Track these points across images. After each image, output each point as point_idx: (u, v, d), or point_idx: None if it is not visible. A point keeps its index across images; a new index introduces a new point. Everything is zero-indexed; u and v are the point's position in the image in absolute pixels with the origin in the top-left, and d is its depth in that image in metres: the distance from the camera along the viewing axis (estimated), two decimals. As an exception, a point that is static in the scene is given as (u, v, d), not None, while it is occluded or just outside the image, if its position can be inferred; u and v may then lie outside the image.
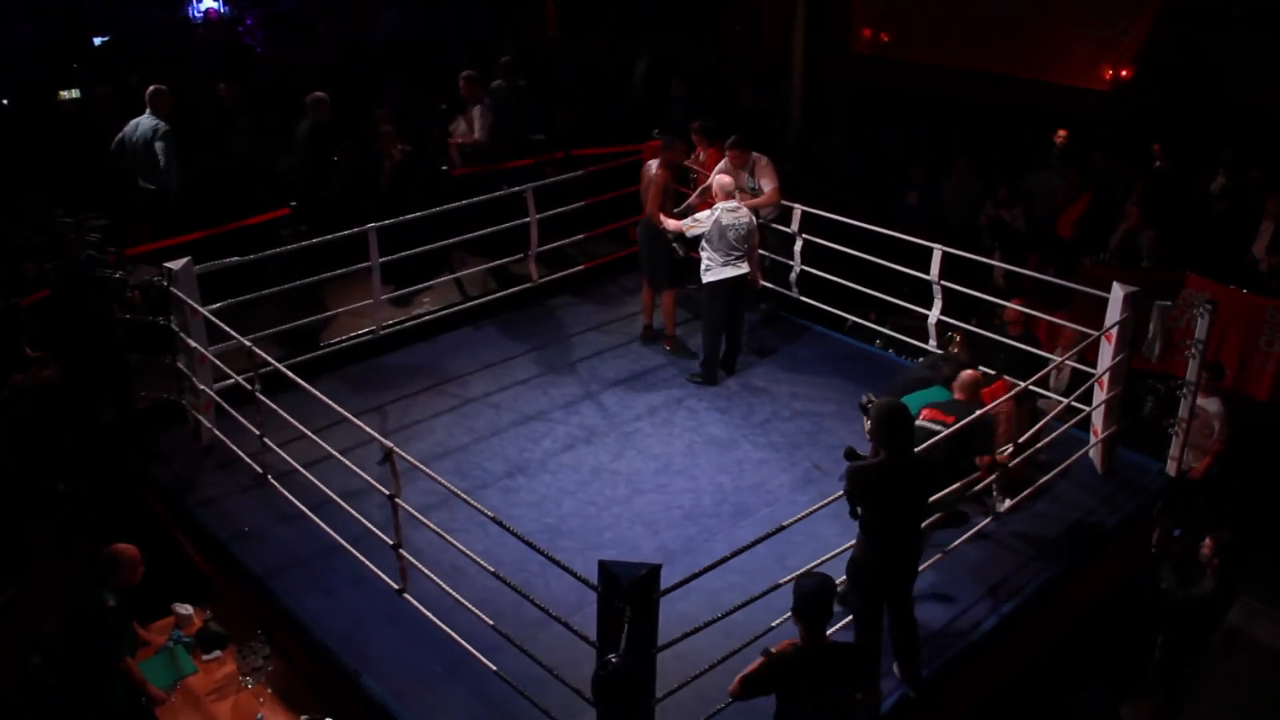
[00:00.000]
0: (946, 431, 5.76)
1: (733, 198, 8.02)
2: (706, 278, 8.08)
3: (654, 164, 8.47)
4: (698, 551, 6.27)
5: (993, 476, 6.14)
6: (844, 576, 5.19)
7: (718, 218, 7.93)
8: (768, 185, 8.51)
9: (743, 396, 8.12)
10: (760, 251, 8.79)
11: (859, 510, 5.03)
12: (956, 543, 6.04)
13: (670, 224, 8.23)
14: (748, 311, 8.71)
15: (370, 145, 10.04)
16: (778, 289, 9.09)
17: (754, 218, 8.10)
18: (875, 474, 4.98)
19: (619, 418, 7.82)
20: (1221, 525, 6.40)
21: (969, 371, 6.45)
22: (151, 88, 8.77)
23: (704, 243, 7.99)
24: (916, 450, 5.38)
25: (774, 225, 8.93)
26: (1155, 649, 6.57)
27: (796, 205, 8.71)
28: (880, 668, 5.25)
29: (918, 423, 5.95)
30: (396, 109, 10.81)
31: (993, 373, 7.35)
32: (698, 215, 8.12)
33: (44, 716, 5.90)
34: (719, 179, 8.13)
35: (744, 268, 8.05)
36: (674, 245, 8.34)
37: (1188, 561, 6.41)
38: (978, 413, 6.02)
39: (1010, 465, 6.29)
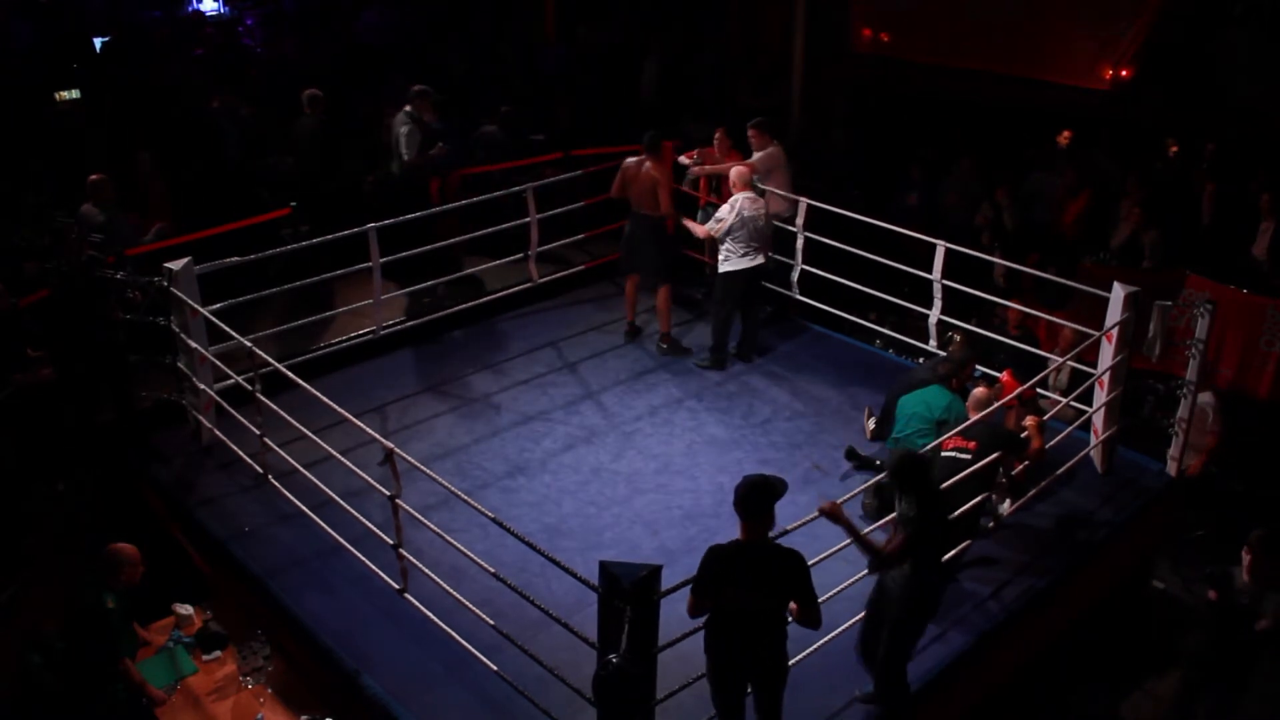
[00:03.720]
0: (974, 466, 5.84)
1: (751, 189, 8.07)
2: (724, 268, 8.16)
3: (646, 164, 8.34)
4: (698, 552, 6.11)
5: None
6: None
7: (740, 209, 8.00)
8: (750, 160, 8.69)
9: (743, 396, 8.12)
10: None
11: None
12: (960, 546, 6.03)
13: (698, 230, 8.36)
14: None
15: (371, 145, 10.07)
16: (778, 289, 9.09)
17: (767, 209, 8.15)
18: (936, 528, 5.07)
19: (619, 418, 7.82)
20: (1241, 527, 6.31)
21: (981, 390, 6.46)
22: (93, 177, 8.10)
23: (726, 235, 8.05)
24: (948, 484, 5.58)
25: (779, 224, 8.96)
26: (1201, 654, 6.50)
27: (801, 199, 8.71)
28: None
29: (943, 453, 5.98)
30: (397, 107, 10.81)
31: (994, 374, 7.35)
32: (719, 214, 8.15)
33: (44, 716, 5.90)
34: (736, 169, 8.22)
35: (760, 259, 8.14)
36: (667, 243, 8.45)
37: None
38: (988, 409, 6.17)
39: (1015, 472, 6.34)
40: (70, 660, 5.76)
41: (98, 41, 12.75)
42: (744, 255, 8.04)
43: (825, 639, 5.15)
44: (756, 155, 8.73)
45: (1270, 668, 6.27)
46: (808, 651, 5.14)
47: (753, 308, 8.49)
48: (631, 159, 8.53)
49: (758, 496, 4.53)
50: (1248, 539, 5.97)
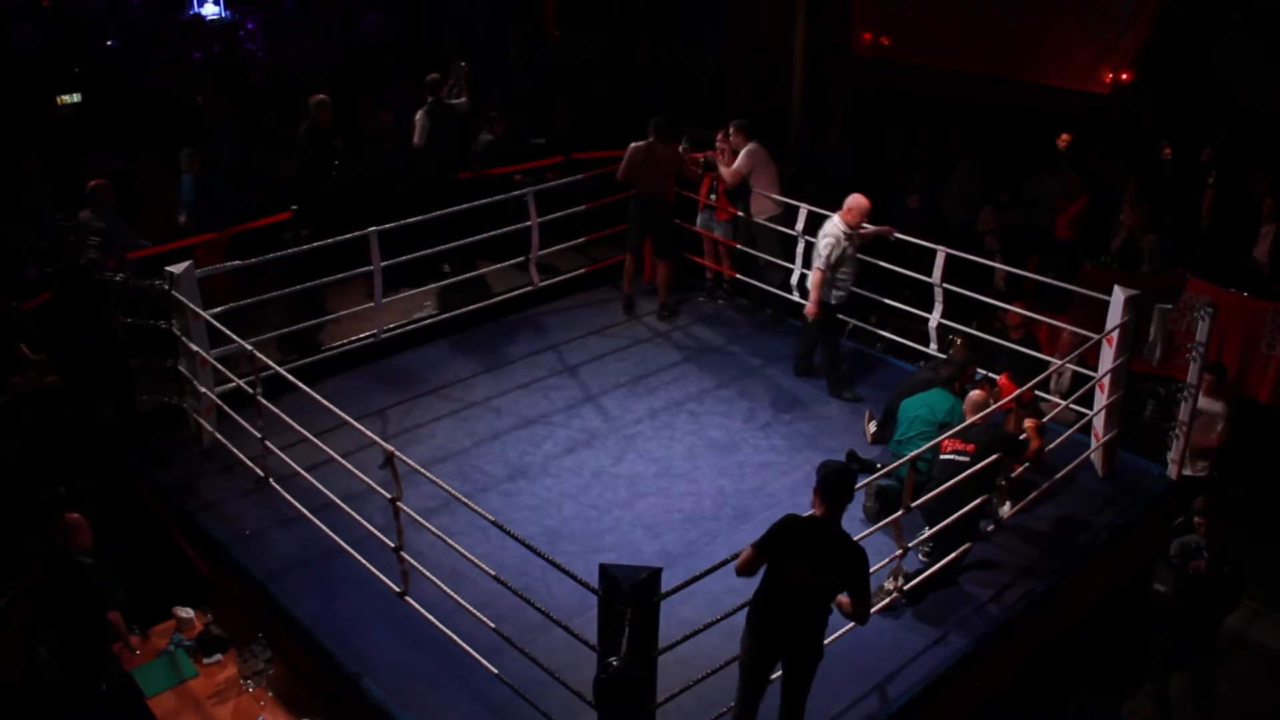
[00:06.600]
0: (973, 468, 5.85)
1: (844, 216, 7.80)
2: None
3: (656, 150, 8.68)
4: (699, 555, 6.27)
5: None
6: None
7: None
8: (734, 164, 8.87)
9: (743, 400, 8.13)
10: (757, 254, 8.86)
11: None
12: (960, 549, 6.03)
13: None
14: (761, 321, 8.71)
15: (369, 144, 10.06)
16: (778, 292, 9.10)
17: (829, 237, 7.65)
18: None
19: (619, 421, 7.82)
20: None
21: (977, 393, 6.47)
22: (92, 183, 7.95)
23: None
24: (949, 484, 5.61)
25: (772, 225, 8.98)
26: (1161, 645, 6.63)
27: (802, 205, 8.71)
28: None
29: (942, 456, 5.98)
30: (399, 111, 10.83)
31: (995, 377, 7.36)
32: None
33: (45, 712, 5.90)
34: (852, 199, 7.85)
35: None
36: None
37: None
38: (986, 412, 6.18)
39: (1014, 474, 6.35)
40: (59, 620, 5.81)
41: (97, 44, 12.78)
42: None
43: (826, 640, 5.14)
44: (740, 156, 8.79)
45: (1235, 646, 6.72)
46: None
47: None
48: (638, 144, 8.70)
49: (839, 482, 4.66)
50: (1193, 508, 6.39)
